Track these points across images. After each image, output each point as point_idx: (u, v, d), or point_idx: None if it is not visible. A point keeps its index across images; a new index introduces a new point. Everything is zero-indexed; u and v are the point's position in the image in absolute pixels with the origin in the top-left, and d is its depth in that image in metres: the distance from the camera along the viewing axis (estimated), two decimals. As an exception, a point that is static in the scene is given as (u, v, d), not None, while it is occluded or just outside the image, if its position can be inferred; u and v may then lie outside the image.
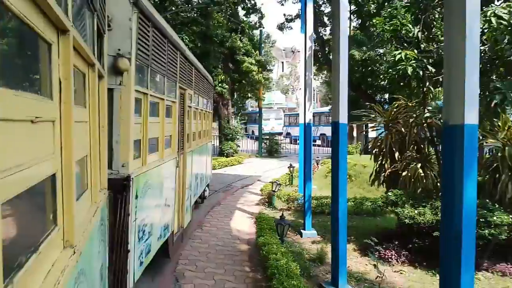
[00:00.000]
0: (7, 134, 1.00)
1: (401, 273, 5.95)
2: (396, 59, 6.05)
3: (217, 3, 19.06)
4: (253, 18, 21.95)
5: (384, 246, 6.47)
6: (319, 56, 21.66)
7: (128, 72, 3.80)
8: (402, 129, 6.89)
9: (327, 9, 21.75)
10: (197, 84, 8.20)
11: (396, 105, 7.08)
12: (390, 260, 6.25)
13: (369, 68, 18.25)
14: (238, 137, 22.61)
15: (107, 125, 3.73)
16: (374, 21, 7.23)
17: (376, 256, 6.08)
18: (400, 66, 6.01)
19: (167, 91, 5.46)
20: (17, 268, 1.03)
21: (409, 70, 5.90)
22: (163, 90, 5.25)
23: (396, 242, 6.54)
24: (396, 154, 6.99)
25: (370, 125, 8.12)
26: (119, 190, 3.61)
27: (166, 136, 5.53)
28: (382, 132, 7.83)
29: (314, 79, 29.54)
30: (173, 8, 17.07)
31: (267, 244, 5.91)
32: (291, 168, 13.39)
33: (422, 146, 6.98)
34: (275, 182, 10.27)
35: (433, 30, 6.81)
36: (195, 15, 18.87)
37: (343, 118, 5.40)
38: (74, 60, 1.89)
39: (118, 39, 3.72)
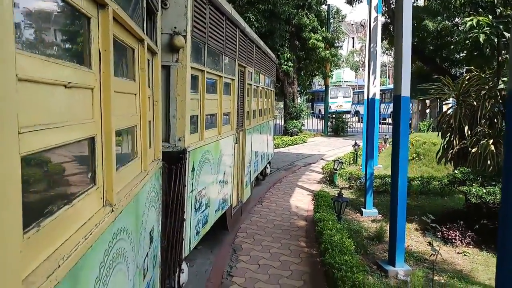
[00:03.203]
0: (39, 94, 1.13)
1: (464, 255, 5.66)
2: (468, 27, 5.57)
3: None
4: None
5: (448, 226, 6.16)
6: (390, 29, 20.50)
7: (184, 50, 3.94)
8: (474, 102, 6.37)
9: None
10: (258, 62, 8.25)
11: (468, 76, 6.54)
12: (453, 240, 5.97)
13: (444, 39, 16.91)
14: (303, 115, 22.44)
15: (164, 101, 3.97)
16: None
17: (439, 236, 5.82)
18: (471, 34, 5.53)
19: (225, 69, 5.58)
20: (48, 215, 1.17)
21: (482, 37, 5.42)
22: (221, 68, 5.37)
23: (462, 223, 6.20)
24: (466, 130, 6.51)
25: (440, 100, 7.62)
26: (175, 162, 3.81)
27: (225, 112, 5.69)
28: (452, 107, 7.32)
29: (386, 53, 28.17)
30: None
31: (322, 220, 5.91)
32: (356, 147, 13.06)
33: (495, 120, 6.40)
34: (337, 160, 10.12)
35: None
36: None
37: (406, 91, 5.15)
38: (119, 35, 2.02)
39: (174, 17, 3.87)
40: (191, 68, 4.10)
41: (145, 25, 2.55)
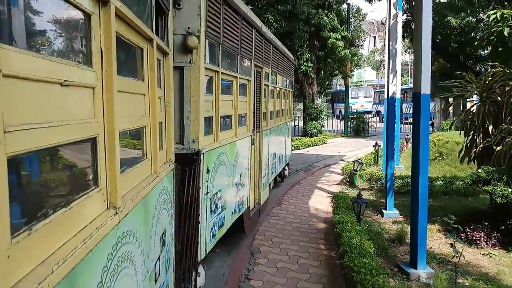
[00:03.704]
0: (30, 92, 1.09)
1: (490, 257, 5.43)
2: (492, 20, 5.36)
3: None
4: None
5: (472, 227, 5.94)
6: (412, 26, 20.09)
7: (197, 50, 3.90)
8: (498, 98, 6.12)
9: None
10: (275, 62, 8.17)
11: (492, 72, 6.29)
12: (478, 242, 5.74)
13: (468, 36, 16.43)
14: (322, 116, 22.21)
15: (178, 102, 3.94)
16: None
17: (462, 237, 5.61)
18: (495, 28, 5.31)
19: (241, 69, 5.52)
20: (42, 218, 1.12)
21: (506, 31, 5.20)
22: (237, 68, 5.31)
23: (486, 223, 5.96)
24: (490, 128, 6.26)
25: (462, 97, 7.37)
26: (190, 164, 3.77)
27: (240, 114, 5.63)
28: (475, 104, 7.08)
29: (408, 52, 27.64)
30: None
31: (341, 222, 5.77)
32: (377, 147, 12.80)
33: (520, 117, 6.15)
34: (357, 161, 9.93)
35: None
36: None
37: (426, 88, 4.99)
38: (125, 33, 1.98)
39: (187, 17, 3.83)
40: (205, 69, 4.05)
41: (154, 25, 2.51)
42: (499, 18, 5.39)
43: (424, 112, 5.08)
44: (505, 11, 5.26)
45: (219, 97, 4.59)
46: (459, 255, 3.88)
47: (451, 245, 4.02)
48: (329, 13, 20.02)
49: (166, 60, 3.04)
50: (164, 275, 2.70)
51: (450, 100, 21.07)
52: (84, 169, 1.54)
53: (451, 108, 22.74)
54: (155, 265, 2.43)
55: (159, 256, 2.54)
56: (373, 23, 53.81)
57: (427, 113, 5.16)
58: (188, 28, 3.85)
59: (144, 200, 2.12)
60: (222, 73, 4.61)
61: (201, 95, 4.00)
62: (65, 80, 1.27)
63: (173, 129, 3.25)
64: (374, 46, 58.87)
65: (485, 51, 18.00)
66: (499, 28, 5.46)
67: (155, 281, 2.43)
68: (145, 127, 2.38)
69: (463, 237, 5.71)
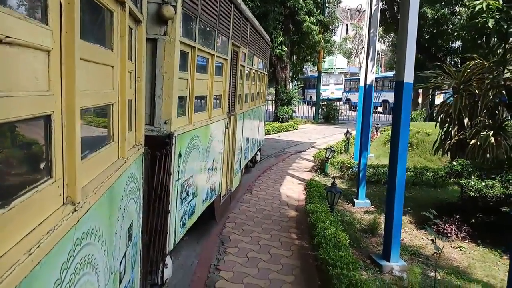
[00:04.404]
0: None
1: (460, 250, 5.48)
2: (476, 10, 5.24)
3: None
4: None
5: (443, 220, 5.95)
6: (387, 15, 20.11)
7: (173, 21, 3.52)
8: (476, 91, 6.10)
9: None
10: (252, 43, 7.82)
11: (470, 65, 6.24)
12: (449, 235, 5.78)
13: (441, 27, 16.60)
14: (294, 102, 22.07)
15: (149, 79, 3.57)
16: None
17: (434, 230, 5.60)
18: (480, 19, 5.20)
19: (218, 47, 5.16)
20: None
21: (490, 22, 5.09)
22: (214, 46, 4.95)
23: (458, 216, 5.99)
24: (466, 120, 6.25)
25: (438, 89, 7.34)
26: (160, 148, 3.43)
27: (215, 95, 5.30)
28: (450, 97, 7.05)
29: (380, 41, 27.81)
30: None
31: (315, 212, 5.61)
32: (348, 135, 12.78)
33: (496, 111, 6.15)
34: (329, 148, 9.82)
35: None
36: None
37: (409, 77, 4.86)
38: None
39: (163, -16, 3.44)
40: (180, 43, 3.69)
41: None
42: (484, 8, 5.27)
43: (406, 101, 4.95)
44: (491, 1, 5.15)
45: (195, 75, 4.24)
46: (440, 251, 3.78)
47: (432, 241, 3.92)
48: (304, -4, 19.69)
49: (139, 29, 2.67)
50: (130, 273, 2.40)
51: (420, 91, 21.50)
52: (33, 156, 1.20)
53: (420, 99, 23.26)
54: (120, 263, 2.13)
55: (124, 253, 2.23)
56: (347, 10, 53.88)
57: (409, 102, 5.04)
58: (164, -4, 3.46)
59: (109, 191, 1.80)
60: (198, 49, 4.24)
61: (175, 71, 3.64)
62: (6, 36, 0.93)
63: (144, 108, 2.90)
64: (347, 33, 59.01)
65: (456, 44, 18.34)
66: (484, 19, 5.34)
67: (120, 281, 2.13)
68: (112, 104, 2.03)
69: (434, 229, 5.70)
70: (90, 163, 1.63)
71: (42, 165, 1.20)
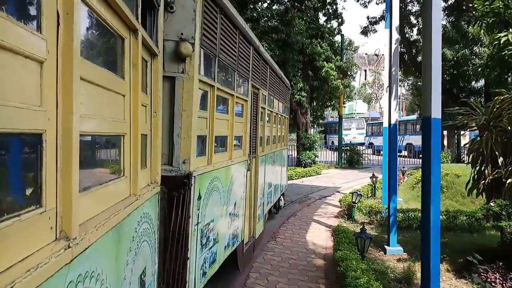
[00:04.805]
0: None
1: (510, 301, 4.90)
2: (502, 43, 5.06)
3: (298, 9, 18.79)
4: (333, 24, 21.18)
5: (484, 267, 5.42)
6: (405, 58, 20.14)
7: (191, 59, 3.45)
8: (508, 127, 5.76)
9: (414, 7, 20.16)
10: (272, 85, 7.79)
11: (500, 100, 5.95)
12: (493, 284, 5.21)
13: (461, 68, 16.43)
14: (316, 146, 21.85)
15: (168, 117, 3.45)
16: (473, 4, 6.24)
17: (475, 278, 5.08)
18: (506, 52, 5.00)
19: (238, 87, 5.09)
20: None
21: (517, 54, 4.90)
22: (233, 86, 4.88)
23: (501, 263, 5.44)
24: (500, 159, 5.87)
25: (466, 127, 7.00)
26: (179, 188, 3.23)
27: (236, 136, 5.15)
28: (477, 136, 6.70)
29: (400, 85, 27.78)
30: (254, 15, 16.94)
31: (345, 260, 5.20)
32: (374, 179, 12.33)
33: (534, 148, 5.78)
34: (355, 192, 9.42)
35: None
36: (276, 23, 18.72)
37: (436, 112, 4.59)
38: (99, 10, 1.51)
39: (181, 22, 3.40)
40: (199, 81, 3.59)
41: (139, 14, 2.05)
42: (510, 40, 5.09)
43: (435, 138, 4.64)
44: (515, 34, 4.98)
45: (214, 114, 4.12)
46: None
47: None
48: (322, 43, 20.09)
49: (155, 62, 2.58)
50: (141, 327, 2.12)
51: (444, 132, 20.98)
52: (18, 179, 1.02)
53: (445, 139, 22.64)
54: (130, 315, 1.87)
55: (135, 303, 1.97)
56: (364, 56, 54.72)
57: (438, 138, 4.73)
58: (182, 34, 3.41)
59: (116, 229, 1.59)
60: (218, 88, 4.15)
61: (194, 109, 3.52)
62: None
63: (160, 144, 2.75)
64: (365, 79, 59.54)
65: (479, 84, 18.05)
66: (510, 52, 5.15)
67: (129, 336, 1.86)
68: (123, 136, 1.87)
69: (479, 278, 5.18)
70: (93, 196, 1.44)
71: (29, 191, 1.01)
